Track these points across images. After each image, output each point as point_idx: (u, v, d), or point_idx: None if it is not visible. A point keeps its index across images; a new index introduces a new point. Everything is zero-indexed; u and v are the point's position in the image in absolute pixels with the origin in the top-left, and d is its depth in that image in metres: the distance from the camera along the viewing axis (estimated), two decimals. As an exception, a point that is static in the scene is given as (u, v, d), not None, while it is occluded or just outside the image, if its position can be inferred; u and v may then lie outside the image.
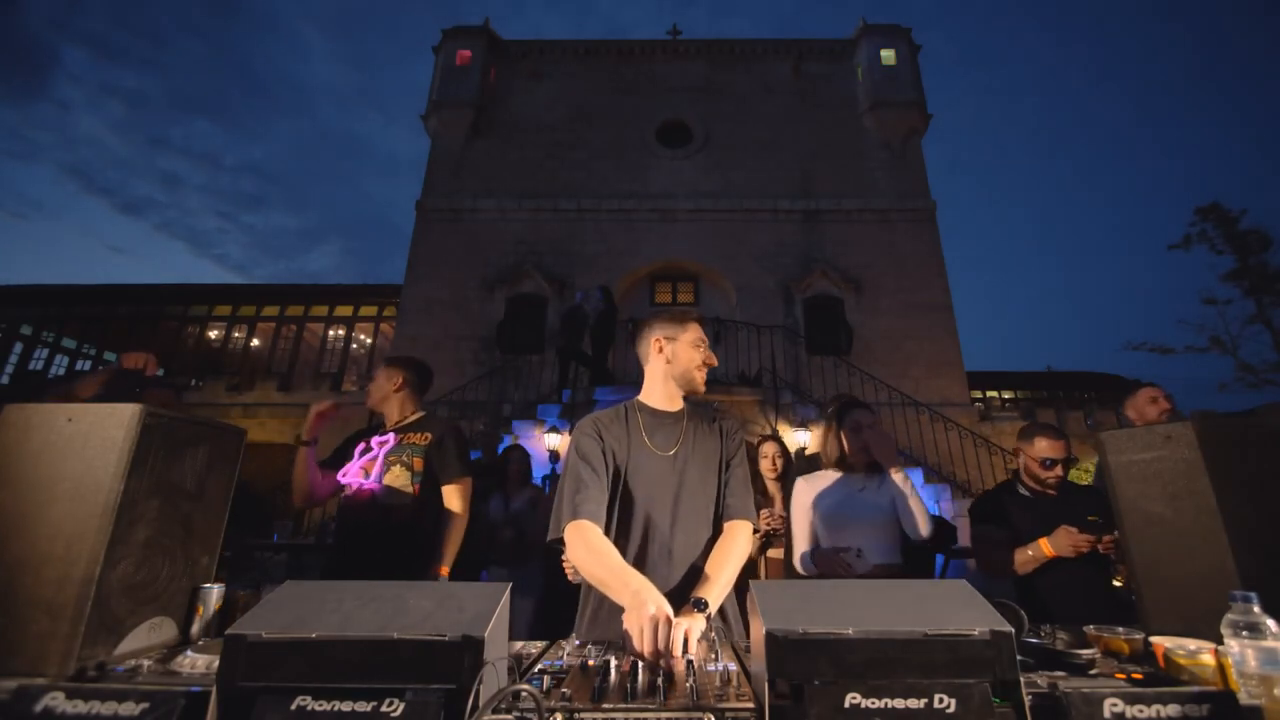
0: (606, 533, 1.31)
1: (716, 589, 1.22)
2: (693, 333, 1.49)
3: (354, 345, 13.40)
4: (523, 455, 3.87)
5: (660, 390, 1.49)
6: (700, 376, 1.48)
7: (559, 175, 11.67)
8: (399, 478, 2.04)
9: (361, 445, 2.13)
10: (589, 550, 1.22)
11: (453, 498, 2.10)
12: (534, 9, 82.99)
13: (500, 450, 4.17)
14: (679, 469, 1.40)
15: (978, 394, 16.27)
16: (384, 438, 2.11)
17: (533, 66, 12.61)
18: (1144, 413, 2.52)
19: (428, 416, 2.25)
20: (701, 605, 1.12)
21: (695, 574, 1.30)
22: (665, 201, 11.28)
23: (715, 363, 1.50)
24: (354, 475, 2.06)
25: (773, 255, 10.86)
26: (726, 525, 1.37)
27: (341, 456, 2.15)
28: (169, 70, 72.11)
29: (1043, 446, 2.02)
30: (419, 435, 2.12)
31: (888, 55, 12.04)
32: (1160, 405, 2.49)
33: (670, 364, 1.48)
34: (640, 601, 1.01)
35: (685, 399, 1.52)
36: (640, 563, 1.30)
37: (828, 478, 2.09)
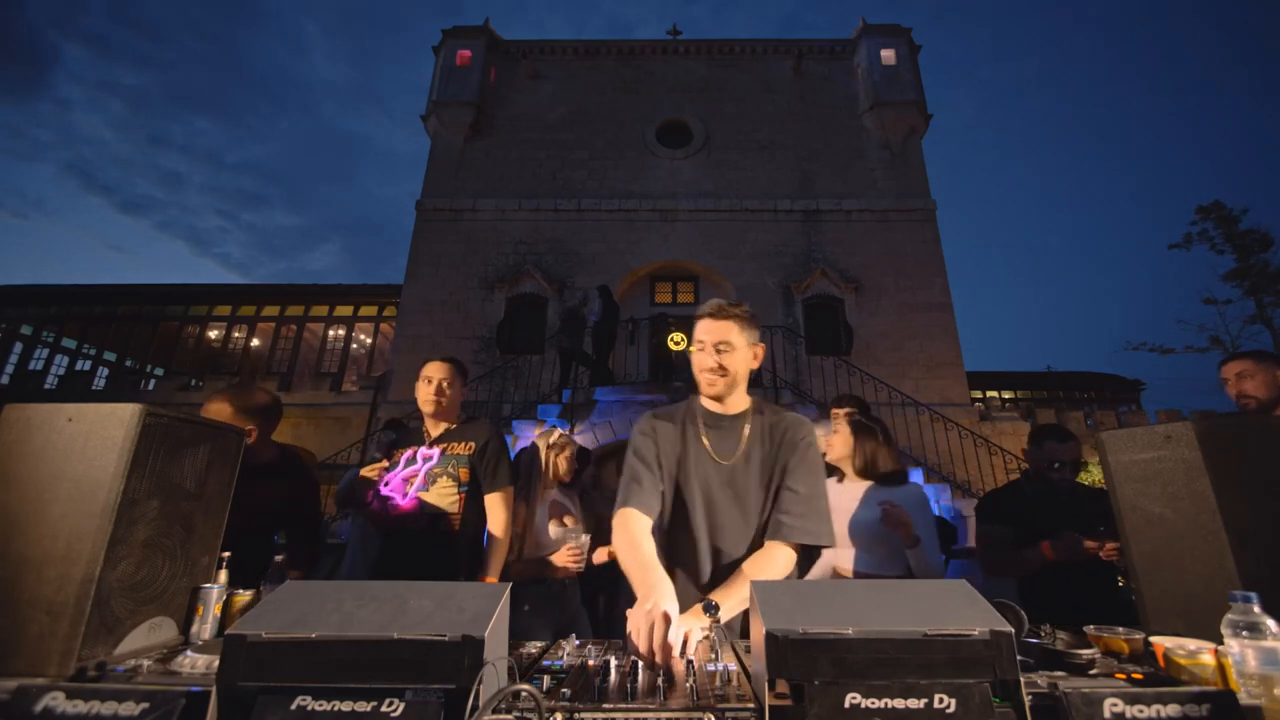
0: (655, 531, 1.29)
1: (734, 599, 1.16)
2: (696, 331, 1.39)
3: (354, 345, 13.39)
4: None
5: (706, 391, 1.42)
6: (705, 380, 1.38)
7: (559, 175, 11.67)
8: (445, 490, 2.02)
9: (409, 453, 2.08)
10: (626, 539, 1.22)
11: (496, 506, 2.06)
12: (535, 8, 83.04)
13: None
14: (728, 478, 1.34)
15: (978, 394, 16.27)
16: (429, 452, 2.07)
17: (533, 66, 12.60)
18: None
19: (468, 421, 2.19)
20: (712, 609, 1.07)
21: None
22: (665, 201, 11.27)
23: (715, 364, 1.35)
24: (396, 488, 2.03)
25: (772, 255, 10.85)
26: (768, 543, 1.27)
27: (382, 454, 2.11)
28: (170, 68, 72.39)
29: (1051, 448, 2.01)
30: (462, 445, 2.09)
31: (888, 55, 12.04)
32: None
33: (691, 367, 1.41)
34: (645, 598, 1.01)
35: (750, 398, 1.44)
36: (674, 569, 1.28)
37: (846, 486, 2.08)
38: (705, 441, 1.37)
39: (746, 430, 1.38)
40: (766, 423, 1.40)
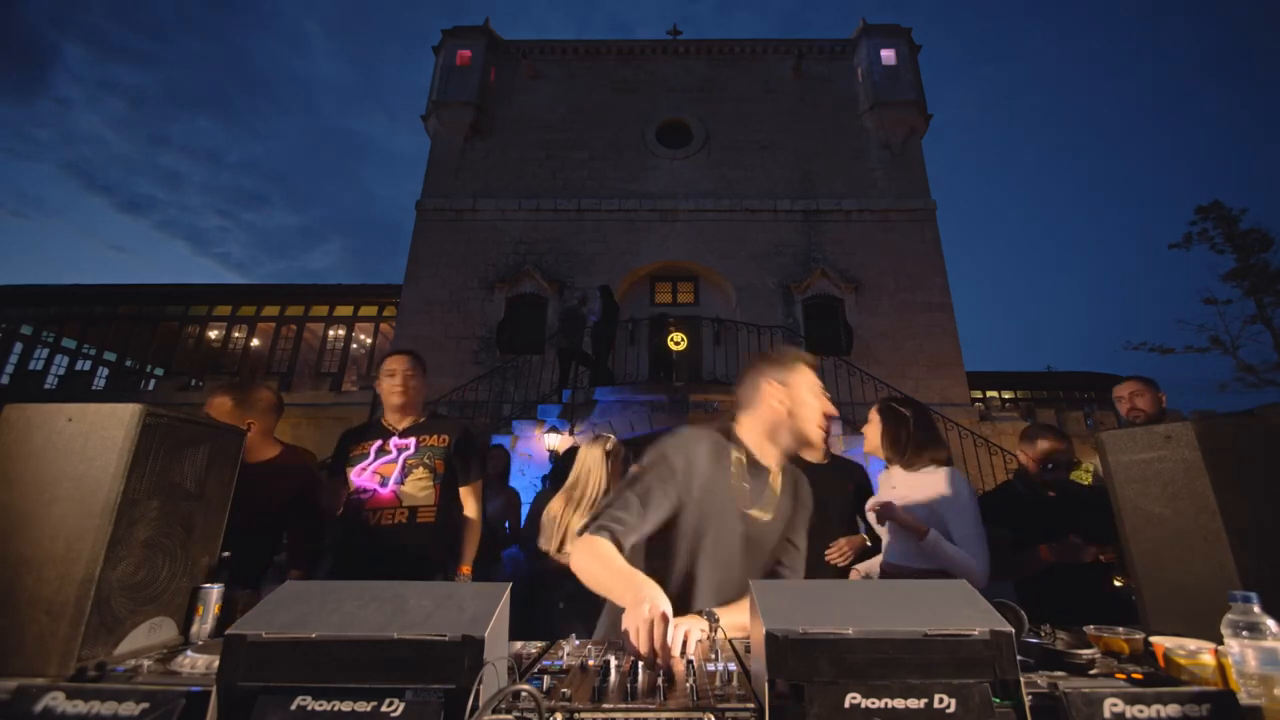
0: (634, 560, 1.22)
1: (733, 616, 1.15)
2: (809, 377, 1.30)
3: (354, 345, 13.40)
4: (502, 455, 3.88)
5: (764, 440, 1.31)
6: (820, 435, 1.28)
7: (559, 175, 11.68)
8: (422, 481, 2.02)
9: (378, 444, 2.06)
10: (592, 556, 1.17)
11: (469, 499, 2.11)
12: (536, 8, 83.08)
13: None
14: (748, 531, 1.27)
15: (978, 394, 16.26)
16: (404, 442, 2.07)
17: (533, 66, 12.60)
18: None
19: (435, 416, 2.22)
20: (713, 618, 1.08)
21: None
22: (665, 201, 11.28)
23: (836, 414, 1.35)
24: (369, 480, 2.02)
25: (772, 255, 10.85)
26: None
27: (341, 458, 2.09)
28: (170, 67, 72.25)
29: (1043, 447, 2.02)
30: (435, 438, 2.09)
31: (888, 55, 12.04)
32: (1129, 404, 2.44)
33: (792, 418, 1.27)
34: (639, 600, 1.00)
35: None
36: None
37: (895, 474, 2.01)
38: (737, 489, 1.27)
39: (778, 484, 1.32)
40: (790, 478, 1.34)
